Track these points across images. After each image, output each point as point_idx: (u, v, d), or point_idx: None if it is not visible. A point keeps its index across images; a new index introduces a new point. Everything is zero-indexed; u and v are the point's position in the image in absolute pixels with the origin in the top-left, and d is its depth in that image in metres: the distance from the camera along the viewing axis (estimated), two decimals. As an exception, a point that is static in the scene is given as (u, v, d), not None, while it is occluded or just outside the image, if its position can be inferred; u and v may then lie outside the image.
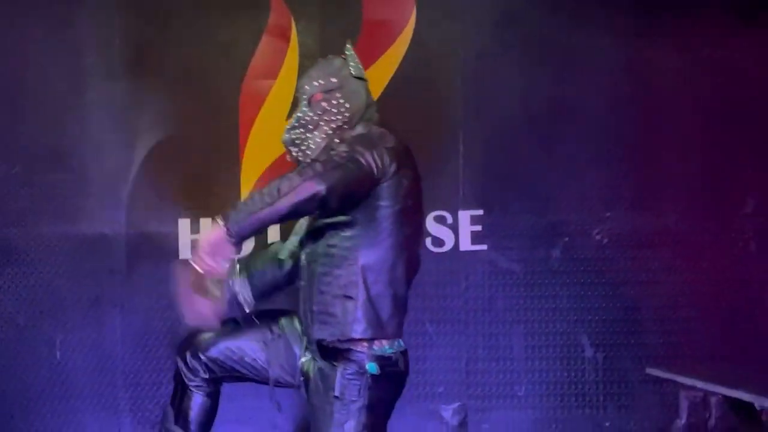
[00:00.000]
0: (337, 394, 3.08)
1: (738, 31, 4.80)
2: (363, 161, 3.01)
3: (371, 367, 3.10)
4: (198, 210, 4.63)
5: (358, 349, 3.10)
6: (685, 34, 4.83)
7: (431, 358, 4.73)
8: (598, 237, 4.81)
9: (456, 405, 4.75)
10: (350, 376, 3.09)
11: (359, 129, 3.23)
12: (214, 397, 3.41)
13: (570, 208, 4.80)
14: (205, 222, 4.64)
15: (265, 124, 4.65)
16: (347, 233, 3.10)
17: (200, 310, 3.05)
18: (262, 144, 4.64)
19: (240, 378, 3.40)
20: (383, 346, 3.14)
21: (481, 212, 4.76)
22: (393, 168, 3.07)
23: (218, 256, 2.95)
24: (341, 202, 3.01)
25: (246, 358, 3.34)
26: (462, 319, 4.75)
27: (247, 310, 3.31)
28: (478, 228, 4.76)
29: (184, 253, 4.63)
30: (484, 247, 4.76)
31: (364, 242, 3.09)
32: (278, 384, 3.33)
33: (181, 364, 3.37)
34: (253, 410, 4.44)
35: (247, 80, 4.67)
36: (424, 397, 4.73)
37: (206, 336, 3.36)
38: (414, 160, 3.22)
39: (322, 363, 3.15)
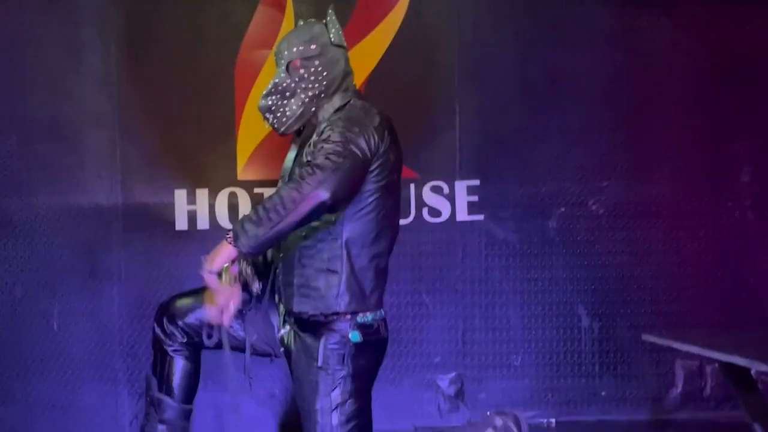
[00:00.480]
0: (320, 364, 3.09)
1: (733, 1, 4.79)
2: (358, 152, 2.99)
3: (354, 335, 3.11)
4: (194, 181, 4.64)
5: (341, 321, 3.11)
6: (680, 6, 4.82)
7: (428, 328, 4.75)
8: (594, 207, 4.81)
9: (452, 375, 4.76)
10: (333, 346, 3.10)
11: (336, 99, 3.20)
12: (194, 360, 3.40)
13: (566, 179, 4.79)
14: (201, 192, 4.64)
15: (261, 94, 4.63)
16: None
17: (218, 304, 3.06)
18: (258, 114, 4.60)
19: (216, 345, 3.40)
20: (366, 316, 3.14)
21: (477, 182, 4.75)
22: (383, 147, 3.07)
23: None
24: (346, 200, 3.03)
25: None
26: (458, 290, 4.76)
27: (255, 291, 3.28)
28: (475, 198, 4.75)
29: (180, 223, 4.64)
30: (481, 217, 4.76)
31: (348, 216, 3.09)
32: (255, 352, 3.32)
33: (158, 331, 3.36)
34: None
35: (242, 50, 4.65)
36: (421, 367, 4.74)
37: (183, 302, 3.36)
38: (395, 130, 3.19)
39: (303, 335, 3.15)
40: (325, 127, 3.10)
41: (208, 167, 4.61)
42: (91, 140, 4.62)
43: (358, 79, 4.65)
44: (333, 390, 3.09)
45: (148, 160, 4.61)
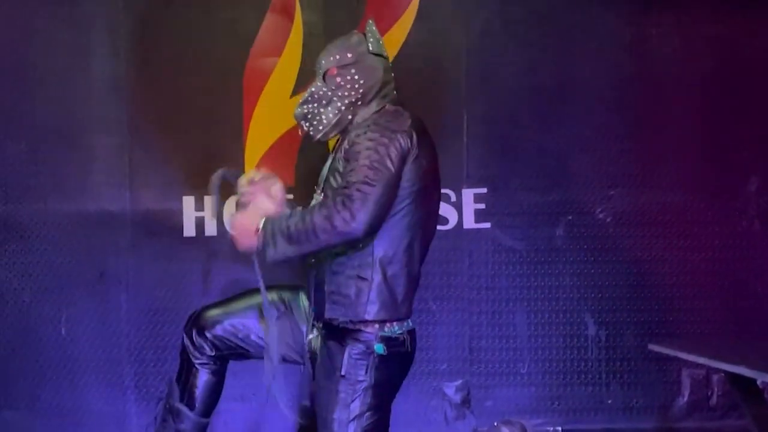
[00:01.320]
0: (343, 373, 3.09)
1: (741, 8, 4.79)
2: (389, 168, 2.98)
3: (378, 347, 3.10)
4: (202, 187, 4.63)
5: (368, 330, 3.11)
6: (688, 11, 4.82)
7: (435, 335, 4.75)
8: (601, 215, 4.81)
9: (459, 382, 4.76)
10: (357, 356, 3.09)
11: (373, 106, 3.20)
12: (219, 375, 3.41)
13: (573, 186, 4.80)
14: (209, 199, 4.64)
15: (269, 101, 4.65)
16: None
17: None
18: (266, 121, 4.65)
19: (245, 355, 3.40)
20: (393, 327, 3.14)
21: (484, 190, 4.76)
22: (413, 152, 3.06)
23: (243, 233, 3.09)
24: (380, 225, 3.04)
25: (252, 336, 3.35)
26: (465, 297, 4.77)
27: None
28: (482, 206, 4.76)
29: (189, 230, 4.65)
30: (488, 225, 4.77)
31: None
32: (284, 361, 3.32)
33: (187, 342, 3.37)
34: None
35: (251, 58, 4.67)
36: (428, 374, 4.74)
37: (212, 313, 3.37)
38: (430, 136, 3.20)
39: (330, 342, 3.15)
40: (354, 136, 3.09)
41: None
42: (101, 146, 4.63)
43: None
44: (353, 401, 3.08)
45: (156, 166, 4.63)
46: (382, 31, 4.67)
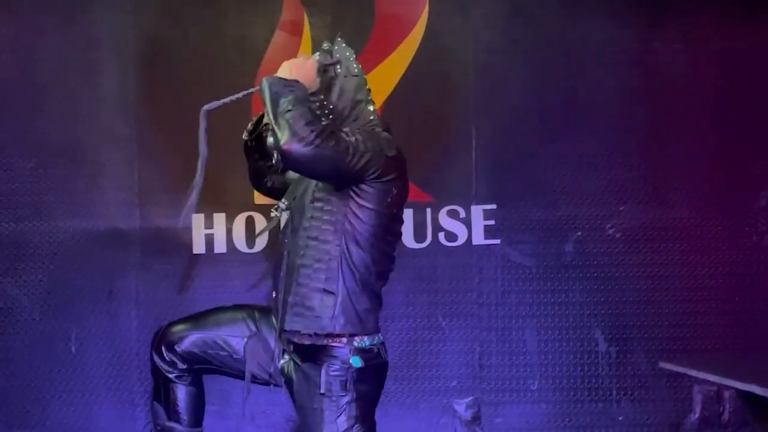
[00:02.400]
0: (323, 391, 3.08)
1: (748, 23, 4.80)
2: (362, 156, 3.02)
3: (355, 360, 3.10)
4: (211, 205, 4.65)
5: (339, 345, 3.10)
6: (695, 26, 4.83)
7: (444, 352, 4.75)
8: (611, 231, 4.80)
9: (469, 399, 4.75)
10: (335, 372, 3.09)
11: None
12: (198, 385, 3.40)
13: (582, 202, 4.79)
14: (218, 216, 4.66)
15: (278, 118, 4.65)
16: (329, 228, 3.11)
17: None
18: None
19: (217, 370, 3.39)
20: (363, 340, 3.14)
21: (494, 206, 4.76)
22: (386, 177, 3.10)
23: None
24: (303, 164, 3.05)
25: (222, 352, 3.34)
26: (475, 314, 4.76)
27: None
28: (491, 222, 4.76)
29: (198, 247, 4.65)
30: (497, 241, 4.76)
31: (347, 240, 3.09)
32: (254, 380, 3.32)
33: (157, 359, 3.36)
34: (267, 404, 4.48)
35: (260, 75, 4.67)
36: (438, 391, 4.74)
37: (180, 327, 3.36)
38: (406, 170, 3.22)
39: (303, 365, 3.15)
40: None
41: (226, 191, 4.62)
42: (110, 164, 4.65)
43: (375, 103, 4.69)
44: (338, 416, 3.08)
45: (166, 184, 4.63)
46: (391, 48, 4.74)
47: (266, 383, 3.36)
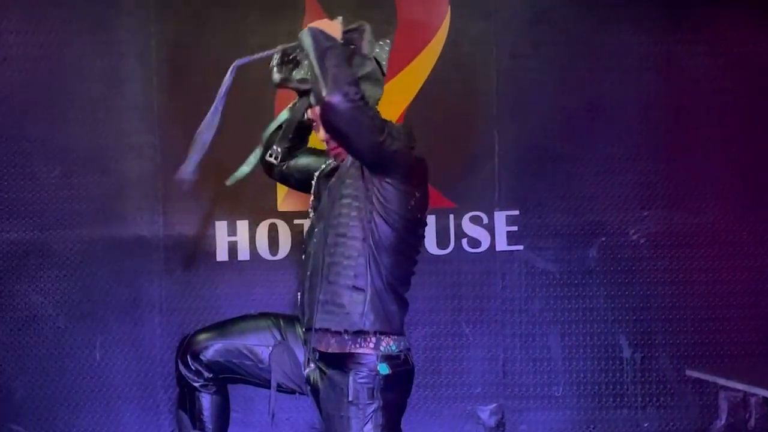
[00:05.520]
0: (350, 398, 3.08)
1: (769, 28, 4.78)
2: (389, 133, 3.02)
3: (382, 368, 3.10)
4: (234, 212, 4.67)
5: (366, 352, 3.10)
6: (719, 30, 4.80)
7: (468, 358, 4.74)
8: (634, 236, 4.78)
9: (493, 406, 4.74)
10: (362, 380, 3.09)
11: None
12: (223, 393, 3.40)
13: (606, 208, 4.78)
14: (241, 224, 4.67)
15: (301, 126, 4.66)
16: (357, 225, 3.11)
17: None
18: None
19: (242, 379, 3.40)
20: (390, 345, 3.13)
21: (517, 212, 4.75)
22: (414, 179, 3.12)
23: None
24: (334, 131, 3.04)
25: (247, 361, 3.34)
26: (499, 320, 4.75)
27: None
28: (514, 228, 4.75)
29: (221, 254, 4.67)
30: (521, 247, 4.75)
31: (373, 239, 3.10)
32: (280, 389, 3.33)
33: (182, 368, 3.36)
34: (290, 411, 4.49)
35: (282, 84, 4.68)
36: (461, 397, 4.73)
37: (205, 336, 3.36)
38: (428, 175, 3.25)
39: (330, 371, 3.15)
40: None
41: (249, 199, 4.63)
42: (133, 172, 4.66)
43: (397, 109, 4.71)
44: (365, 424, 3.07)
45: (189, 191, 4.64)
46: (413, 54, 4.74)
47: (291, 392, 3.36)
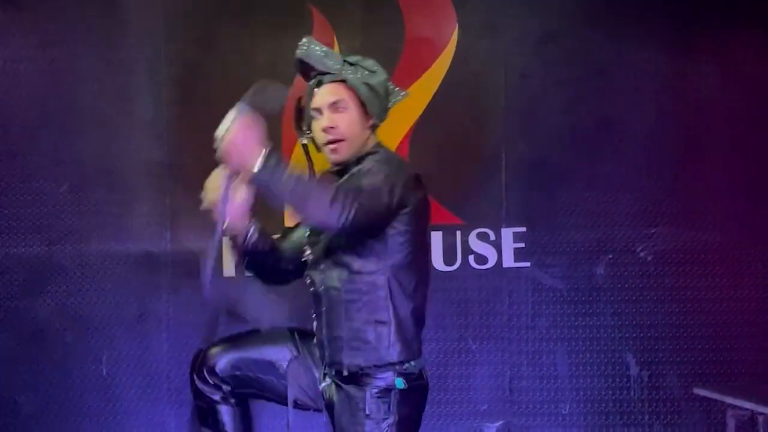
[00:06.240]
0: (367, 412, 3.06)
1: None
2: (393, 196, 2.99)
3: (399, 382, 3.08)
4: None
5: (388, 370, 3.09)
6: (729, 49, 4.81)
7: (475, 375, 4.73)
8: (642, 254, 4.78)
9: (500, 423, 4.73)
10: (378, 394, 3.07)
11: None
12: (243, 406, 3.35)
13: (614, 225, 4.77)
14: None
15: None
16: (371, 258, 3.07)
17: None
18: (305, 163, 4.65)
19: (258, 395, 3.36)
20: (411, 364, 3.12)
21: (524, 229, 4.75)
22: (414, 197, 3.08)
23: (243, 150, 2.97)
24: (356, 236, 3.02)
25: (263, 375, 3.30)
26: (506, 337, 4.74)
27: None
28: (522, 245, 4.75)
29: (229, 270, 4.66)
30: (528, 264, 4.75)
31: (388, 266, 3.07)
32: (296, 405, 3.29)
33: (200, 384, 3.30)
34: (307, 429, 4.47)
35: (290, 99, 4.69)
36: (468, 415, 4.72)
37: (219, 350, 3.30)
38: (423, 185, 3.20)
39: (346, 386, 3.12)
40: (366, 165, 3.12)
41: (256, 214, 4.62)
42: (142, 187, 4.68)
43: (405, 126, 4.72)
44: None
45: (197, 207, 4.63)
46: (421, 71, 4.75)
47: (307, 408, 3.34)
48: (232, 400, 3.33)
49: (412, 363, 3.12)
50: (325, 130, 3.19)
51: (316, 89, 3.23)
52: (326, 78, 3.21)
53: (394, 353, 3.08)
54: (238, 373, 3.31)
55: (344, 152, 3.19)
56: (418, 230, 3.12)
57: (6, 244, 4.61)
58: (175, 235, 4.67)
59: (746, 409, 4.42)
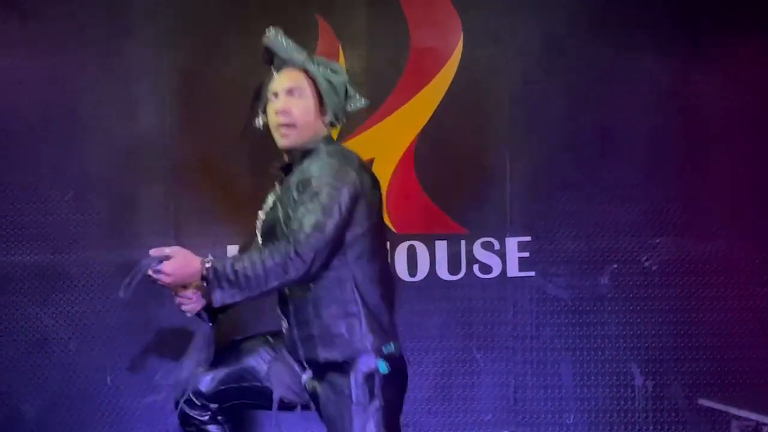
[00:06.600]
0: (353, 399, 3.10)
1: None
2: (341, 211, 3.06)
3: (382, 366, 3.13)
4: (247, 237, 4.66)
5: (367, 355, 3.13)
6: (734, 56, 4.80)
7: (479, 385, 4.72)
8: (647, 263, 4.77)
9: (504, 433, 4.74)
10: (363, 380, 3.11)
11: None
12: (233, 422, 3.42)
13: (618, 235, 4.77)
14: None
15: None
16: (332, 255, 3.12)
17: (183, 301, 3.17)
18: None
19: (246, 405, 3.41)
20: (389, 345, 3.17)
21: (528, 239, 4.74)
22: (363, 194, 3.15)
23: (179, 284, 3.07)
24: (325, 267, 3.10)
25: (246, 384, 3.35)
26: (510, 346, 4.73)
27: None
28: (526, 254, 4.74)
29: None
30: (532, 273, 4.74)
31: (352, 259, 3.13)
32: (282, 404, 3.32)
33: (188, 409, 3.36)
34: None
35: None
36: (472, 425, 4.71)
37: (201, 370, 3.36)
38: (370, 171, 3.28)
39: (330, 374, 3.16)
40: (310, 172, 3.14)
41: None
42: (146, 196, 4.67)
43: (410, 135, 4.72)
44: (367, 423, 3.09)
45: (201, 216, 4.65)
46: (426, 81, 4.75)
47: (294, 406, 3.35)
48: (220, 417, 3.37)
49: (390, 345, 3.16)
50: (278, 113, 3.26)
51: (276, 74, 3.30)
52: (287, 64, 3.29)
53: (367, 342, 3.13)
54: (223, 387, 3.35)
55: (293, 138, 3.26)
56: (371, 217, 3.17)
57: (11, 252, 4.60)
58: (180, 244, 4.60)
59: (751, 420, 4.41)
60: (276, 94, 3.29)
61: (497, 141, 4.76)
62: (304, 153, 3.27)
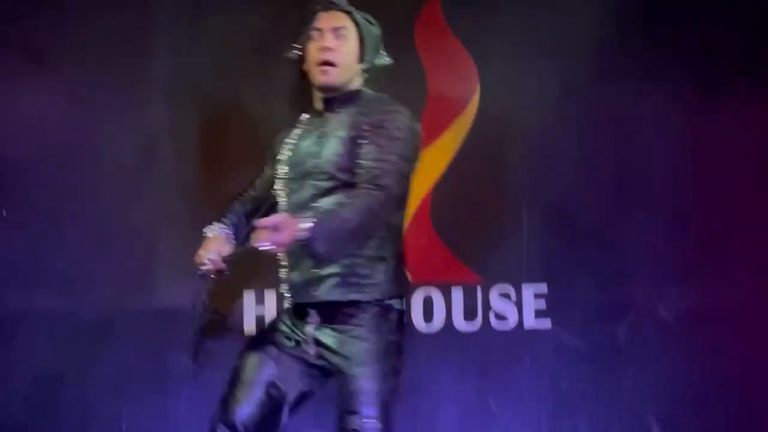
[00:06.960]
0: (369, 328, 3.05)
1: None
2: (416, 144, 3.15)
3: (397, 302, 3.10)
4: (261, 282, 4.66)
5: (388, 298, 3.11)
6: (746, 101, 4.80)
7: (495, 436, 4.70)
8: (664, 313, 4.74)
9: (519, 486, 4.70)
10: (379, 313, 3.07)
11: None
12: None
13: (635, 284, 4.75)
14: (269, 293, 4.66)
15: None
16: None
17: None
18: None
19: (276, 423, 3.28)
20: (401, 302, 3.14)
21: (545, 288, 4.73)
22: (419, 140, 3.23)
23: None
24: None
25: (268, 397, 3.24)
26: (526, 397, 4.71)
27: None
28: (542, 304, 4.73)
29: (249, 326, 4.66)
30: (548, 322, 4.73)
31: (391, 204, 3.06)
32: (304, 397, 3.24)
33: None
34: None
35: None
36: (488, 477, 4.69)
37: (228, 403, 3.28)
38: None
39: (344, 318, 3.08)
40: (379, 117, 3.15)
41: (277, 268, 4.63)
42: (164, 242, 4.67)
43: (427, 182, 4.72)
44: (386, 355, 3.05)
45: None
46: (443, 128, 4.76)
47: (312, 393, 3.27)
48: None
49: (401, 301, 3.13)
50: (321, 50, 3.22)
51: (322, 12, 3.28)
52: (334, 6, 3.28)
53: (393, 289, 3.10)
54: (256, 410, 3.24)
55: (333, 77, 3.23)
56: (417, 161, 3.18)
57: (29, 299, 4.60)
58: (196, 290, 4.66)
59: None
60: (321, 31, 3.27)
61: (513, 189, 4.77)
62: (347, 95, 3.27)
